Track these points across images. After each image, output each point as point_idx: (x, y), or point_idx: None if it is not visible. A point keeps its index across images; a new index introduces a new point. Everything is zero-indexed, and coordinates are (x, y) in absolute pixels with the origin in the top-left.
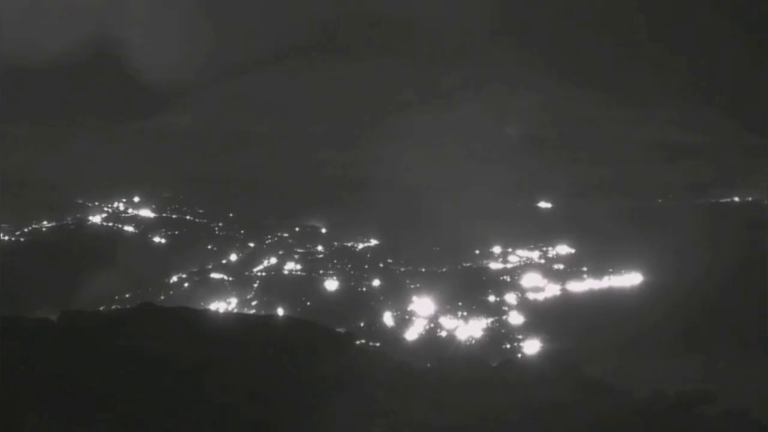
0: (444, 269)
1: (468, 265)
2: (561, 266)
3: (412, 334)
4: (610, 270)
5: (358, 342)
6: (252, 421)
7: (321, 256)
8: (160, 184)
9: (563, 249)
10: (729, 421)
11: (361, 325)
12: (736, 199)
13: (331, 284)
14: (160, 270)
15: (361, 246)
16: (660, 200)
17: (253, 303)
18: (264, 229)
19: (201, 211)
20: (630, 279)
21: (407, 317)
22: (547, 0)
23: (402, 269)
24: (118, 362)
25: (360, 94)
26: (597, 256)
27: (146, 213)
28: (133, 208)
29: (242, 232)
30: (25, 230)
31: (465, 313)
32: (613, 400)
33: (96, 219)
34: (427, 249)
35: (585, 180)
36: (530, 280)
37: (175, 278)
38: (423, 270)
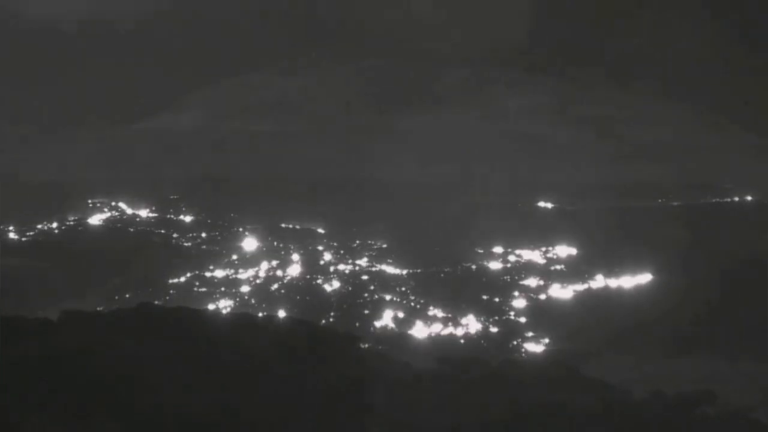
0: (444, 269)
1: (468, 265)
2: (561, 266)
3: (412, 334)
4: (610, 270)
5: (359, 343)
6: (253, 422)
7: (321, 256)
8: (160, 184)
9: (563, 249)
10: (729, 421)
11: (362, 325)
12: (736, 199)
13: (332, 285)
14: (160, 270)
15: (361, 246)
16: (660, 200)
17: (254, 304)
18: (264, 229)
19: (201, 211)
20: (630, 279)
21: (408, 318)
22: (546, 0)
23: (402, 270)
24: (119, 362)
25: (360, 95)
26: (597, 256)
27: (147, 213)
28: (134, 208)
29: (243, 232)
30: (26, 230)
31: (465, 314)
32: (613, 400)
33: (96, 219)
34: (427, 249)
35: (585, 180)
36: (530, 280)
37: (175, 278)
38: (423, 270)
